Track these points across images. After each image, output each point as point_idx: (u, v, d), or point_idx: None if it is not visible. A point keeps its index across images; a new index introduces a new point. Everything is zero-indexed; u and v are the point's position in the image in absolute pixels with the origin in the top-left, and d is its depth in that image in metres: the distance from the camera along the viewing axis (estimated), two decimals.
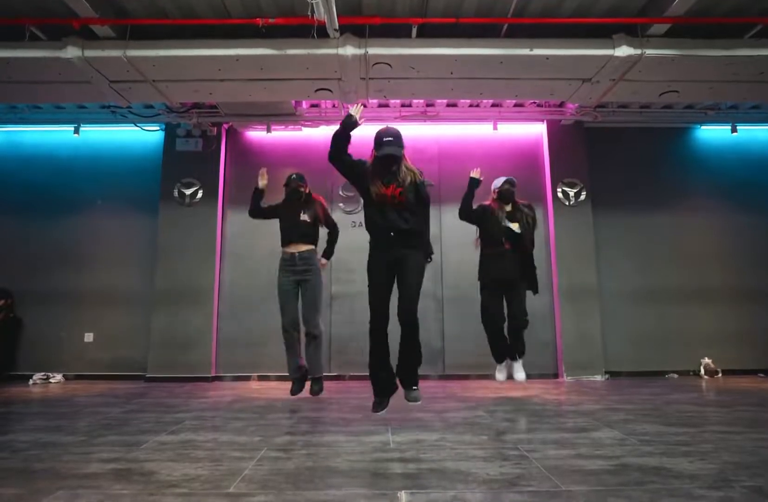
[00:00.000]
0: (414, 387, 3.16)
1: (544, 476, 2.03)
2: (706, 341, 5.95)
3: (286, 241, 4.28)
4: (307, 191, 4.39)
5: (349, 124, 3.19)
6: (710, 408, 3.69)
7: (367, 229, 3.21)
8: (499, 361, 4.39)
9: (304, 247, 4.25)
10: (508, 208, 4.33)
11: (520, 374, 4.30)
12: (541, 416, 3.38)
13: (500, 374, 4.42)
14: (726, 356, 5.89)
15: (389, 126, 3.28)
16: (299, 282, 4.21)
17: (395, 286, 3.13)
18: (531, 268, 4.35)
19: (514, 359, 4.34)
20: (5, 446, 2.57)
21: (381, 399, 3.15)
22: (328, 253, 4.52)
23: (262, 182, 4.35)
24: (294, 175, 4.36)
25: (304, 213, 4.28)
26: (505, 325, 4.31)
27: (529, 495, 1.80)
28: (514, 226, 4.23)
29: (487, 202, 4.44)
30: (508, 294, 4.29)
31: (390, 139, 3.13)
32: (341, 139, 3.17)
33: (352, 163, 3.19)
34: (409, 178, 3.15)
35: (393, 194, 3.09)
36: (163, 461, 2.27)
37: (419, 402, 3.16)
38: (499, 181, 4.37)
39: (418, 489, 1.88)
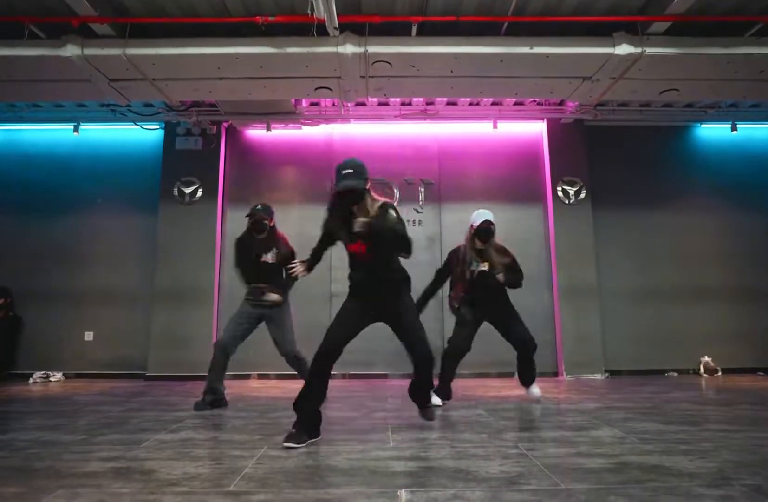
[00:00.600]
0: (428, 405, 3.17)
1: (544, 474, 2.03)
2: (706, 340, 5.95)
3: (247, 280, 3.90)
4: (272, 225, 3.94)
5: None
6: (710, 407, 3.69)
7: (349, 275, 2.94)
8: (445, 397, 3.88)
9: (263, 285, 3.83)
10: (482, 246, 3.88)
11: (535, 389, 4.07)
12: (541, 415, 3.38)
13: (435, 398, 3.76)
14: (726, 354, 5.90)
15: (353, 158, 2.80)
16: (262, 317, 3.86)
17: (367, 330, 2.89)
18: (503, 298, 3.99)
19: (530, 384, 4.07)
20: (6, 445, 2.57)
21: (302, 431, 2.59)
22: (285, 290, 3.94)
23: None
24: (259, 206, 3.91)
25: (266, 253, 3.87)
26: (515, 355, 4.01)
27: (529, 493, 1.80)
28: (483, 265, 3.84)
29: (462, 243, 4.03)
30: (503, 326, 3.95)
31: (350, 171, 2.68)
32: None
33: (325, 231, 2.98)
34: (373, 219, 2.70)
35: (360, 251, 2.79)
36: (163, 460, 2.27)
37: (433, 419, 3.13)
38: (478, 218, 3.88)
39: (418, 488, 1.88)
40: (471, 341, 3.91)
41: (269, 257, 3.88)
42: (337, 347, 2.73)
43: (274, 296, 3.82)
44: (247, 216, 3.94)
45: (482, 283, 3.85)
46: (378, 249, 2.77)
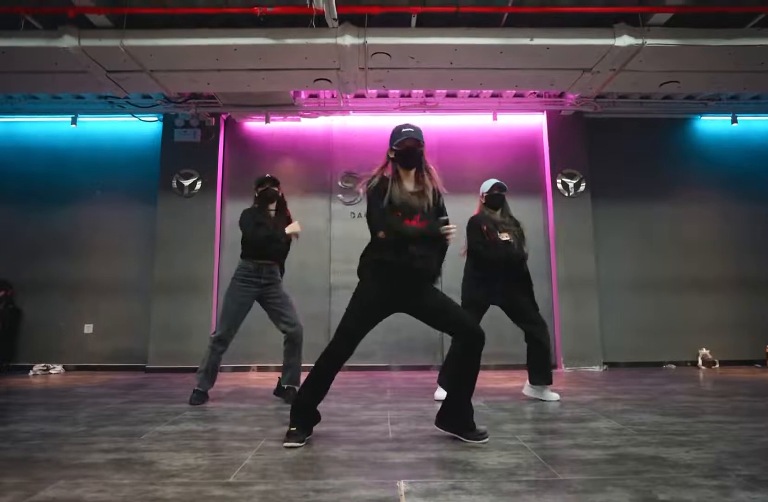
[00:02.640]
0: (480, 427, 2.49)
1: (542, 465, 2.04)
2: (704, 332, 5.98)
3: (255, 254, 3.70)
4: (281, 193, 3.85)
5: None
6: (707, 398, 3.71)
7: (374, 260, 2.55)
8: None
9: (272, 262, 3.77)
10: (497, 216, 3.73)
11: (553, 394, 3.68)
12: (539, 407, 3.40)
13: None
14: (723, 346, 5.92)
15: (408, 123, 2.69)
16: (261, 296, 3.74)
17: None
18: (528, 283, 3.84)
19: (549, 383, 3.68)
20: (7, 437, 2.58)
21: (302, 430, 2.47)
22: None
23: None
24: (267, 175, 3.80)
25: (280, 225, 3.73)
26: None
27: (527, 484, 1.82)
28: (504, 236, 3.63)
29: (475, 212, 3.82)
30: (514, 308, 3.73)
31: (411, 129, 2.58)
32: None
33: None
34: (431, 198, 2.63)
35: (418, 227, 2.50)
36: (164, 451, 2.28)
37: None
38: (487, 185, 3.73)
39: (417, 479, 1.89)
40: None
41: (284, 239, 3.73)
42: (354, 347, 2.52)
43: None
44: (258, 185, 3.76)
45: (510, 256, 3.64)
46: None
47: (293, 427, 2.45)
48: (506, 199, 3.77)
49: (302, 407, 2.50)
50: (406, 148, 2.56)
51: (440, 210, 2.70)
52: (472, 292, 3.70)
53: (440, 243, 2.57)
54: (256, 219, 3.70)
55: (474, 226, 3.68)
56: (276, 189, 3.77)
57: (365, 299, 2.54)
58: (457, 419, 2.50)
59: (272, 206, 3.80)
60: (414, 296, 2.56)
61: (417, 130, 2.60)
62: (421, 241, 2.49)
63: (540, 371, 3.65)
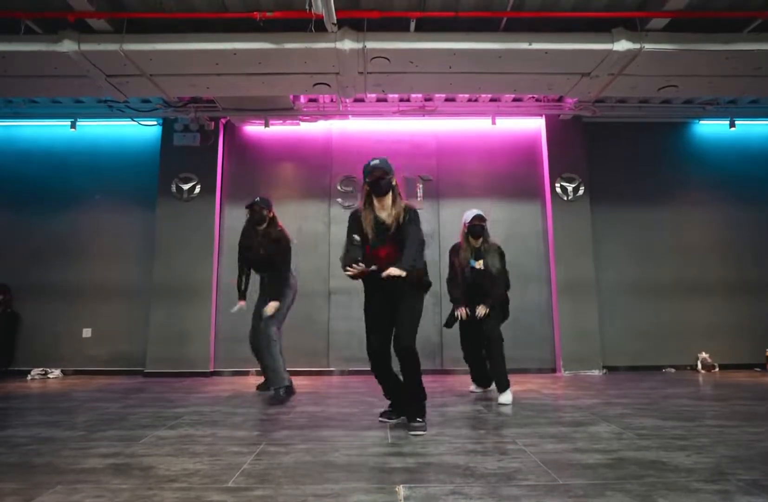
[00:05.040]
0: (418, 419, 2.82)
1: (541, 470, 2.04)
2: (704, 336, 5.97)
3: (253, 271, 4.34)
4: (271, 216, 4.18)
5: None
6: (707, 402, 3.71)
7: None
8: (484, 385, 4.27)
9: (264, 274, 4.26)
10: (477, 244, 4.02)
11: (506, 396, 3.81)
12: (539, 411, 3.39)
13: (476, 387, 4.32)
14: (723, 350, 5.92)
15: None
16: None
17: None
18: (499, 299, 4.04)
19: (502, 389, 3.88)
20: (4, 441, 2.57)
21: (393, 408, 3.08)
22: (273, 294, 4.04)
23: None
24: (258, 198, 4.16)
25: (262, 248, 4.07)
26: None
27: (527, 489, 1.81)
28: (478, 264, 3.96)
29: (459, 240, 4.14)
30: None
31: (377, 162, 2.99)
32: None
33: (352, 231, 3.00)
34: (396, 219, 2.93)
35: (384, 254, 2.88)
36: (162, 456, 2.28)
37: (421, 434, 2.72)
38: (468, 216, 4.02)
39: (417, 483, 1.88)
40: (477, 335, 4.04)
41: (262, 250, 4.07)
42: (382, 350, 2.88)
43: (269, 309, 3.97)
44: (246, 207, 4.18)
45: (478, 282, 3.98)
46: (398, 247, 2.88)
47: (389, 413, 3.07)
48: (485, 229, 4.05)
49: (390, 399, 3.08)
50: (375, 179, 2.95)
51: (406, 226, 2.92)
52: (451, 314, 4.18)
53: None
54: (243, 237, 4.24)
55: (450, 255, 4.19)
56: (264, 213, 4.13)
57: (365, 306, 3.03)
58: (406, 405, 2.94)
59: (261, 227, 4.16)
60: (392, 299, 2.90)
61: (383, 161, 3.00)
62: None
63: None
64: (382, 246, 2.91)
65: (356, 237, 2.92)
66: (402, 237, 2.87)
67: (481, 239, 4.02)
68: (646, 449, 2.34)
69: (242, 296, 4.36)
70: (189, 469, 2.08)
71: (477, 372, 4.24)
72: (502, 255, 4.07)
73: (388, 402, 3.10)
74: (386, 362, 2.91)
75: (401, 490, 1.81)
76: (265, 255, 4.07)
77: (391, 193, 3.00)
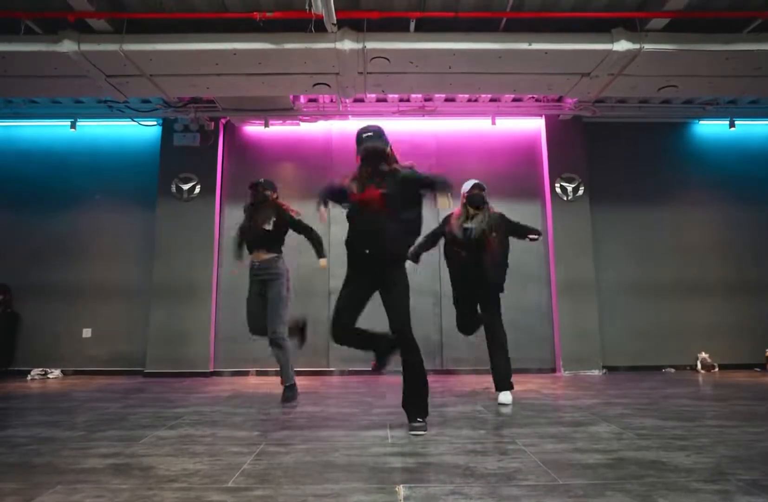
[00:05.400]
0: (419, 419, 2.77)
1: (541, 470, 2.04)
2: (703, 336, 5.97)
3: (248, 250, 4.14)
4: (275, 197, 4.18)
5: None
6: (707, 402, 3.71)
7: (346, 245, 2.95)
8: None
9: (263, 256, 4.04)
10: (474, 212, 3.90)
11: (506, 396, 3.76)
12: (539, 411, 3.39)
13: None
14: (723, 350, 5.92)
15: (369, 124, 3.02)
16: (262, 292, 4.04)
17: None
18: (496, 267, 3.87)
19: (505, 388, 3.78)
20: (4, 441, 2.57)
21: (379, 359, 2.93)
22: (318, 254, 4.21)
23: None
24: (262, 180, 4.19)
25: (266, 223, 4.05)
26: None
27: (527, 489, 1.81)
28: (470, 224, 3.82)
29: (456, 210, 3.99)
30: (482, 304, 3.93)
31: (370, 134, 2.88)
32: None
33: (336, 190, 3.04)
34: (393, 177, 2.85)
35: (371, 198, 2.77)
36: (162, 456, 2.28)
37: (422, 434, 2.68)
38: (467, 185, 3.96)
39: (417, 483, 1.88)
40: (473, 314, 3.98)
41: (268, 225, 4.02)
42: (348, 326, 2.82)
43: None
44: (249, 188, 4.16)
45: (476, 243, 3.80)
46: (392, 199, 2.77)
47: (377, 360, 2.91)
48: (485, 198, 3.96)
49: (377, 351, 2.92)
50: (367, 153, 2.85)
51: (413, 181, 2.87)
52: (452, 289, 4.07)
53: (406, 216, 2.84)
54: (246, 212, 4.19)
55: (440, 224, 4.09)
56: (267, 193, 4.12)
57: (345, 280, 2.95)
58: (408, 403, 2.86)
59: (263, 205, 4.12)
60: (378, 283, 2.85)
61: (376, 132, 2.89)
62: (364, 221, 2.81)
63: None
64: (369, 190, 2.82)
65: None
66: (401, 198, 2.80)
67: (482, 209, 3.88)
68: (646, 449, 2.34)
69: (241, 256, 4.22)
70: (189, 469, 2.08)
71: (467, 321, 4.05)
72: (508, 222, 3.94)
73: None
74: (351, 331, 2.84)
75: (401, 490, 1.81)
76: (269, 230, 4.02)
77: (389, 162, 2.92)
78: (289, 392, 3.89)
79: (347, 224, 3.00)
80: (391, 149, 2.94)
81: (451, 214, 3.99)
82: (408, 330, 2.78)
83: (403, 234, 2.85)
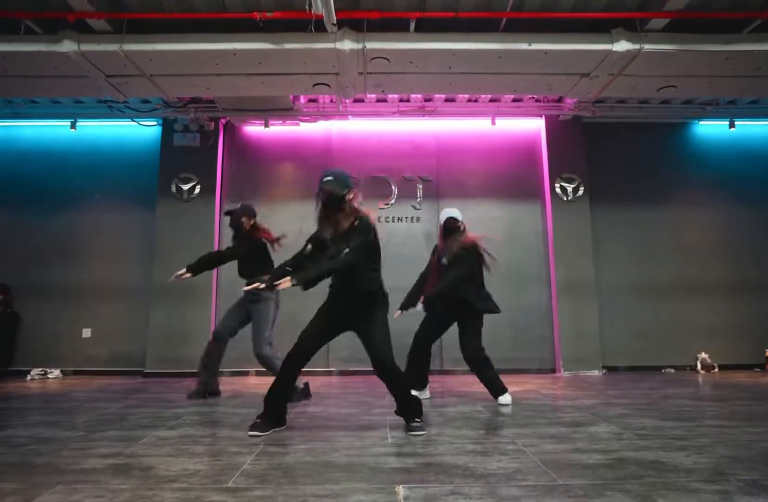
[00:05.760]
0: (417, 420, 2.82)
1: (541, 470, 2.04)
2: (703, 336, 5.98)
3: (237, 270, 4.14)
4: (252, 223, 4.14)
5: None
6: (706, 403, 3.71)
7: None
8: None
9: (248, 279, 3.94)
10: (450, 242, 3.90)
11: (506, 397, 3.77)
12: (539, 411, 3.39)
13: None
14: (722, 350, 5.92)
15: (337, 168, 3.02)
16: (248, 310, 4.07)
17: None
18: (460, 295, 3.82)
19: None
20: (4, 442, 2.57)
21: (266, 422, 2.81)
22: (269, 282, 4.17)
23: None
24: (239, 207, 4.17)
25: (242, 249, 4.09)
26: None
27: (527, 489, 1.81)
28: (444, 260, 3.86)
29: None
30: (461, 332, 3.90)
31: (330, 178, 2.83)
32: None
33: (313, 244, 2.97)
34: (346, 225, 2.85)
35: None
36: (162, 456, 2.28)
37: (421, 434, 2.72)
38: (442, 217, 3.96)
39: (416, 484, 1.88)
40: (429, 338, 3.98)
41: (245, 253, 4.07)
42: (309, 356, 2.83)
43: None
44: (225, 214, 4.30)
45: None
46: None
47: (259, 418, 2.79)
48: (454, 229, 3.88)
49: (268, 401, 2.84)
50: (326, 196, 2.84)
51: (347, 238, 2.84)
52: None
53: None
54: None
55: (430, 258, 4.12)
56: (242, 221, 4.10)
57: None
58: (402, 411, 2.89)
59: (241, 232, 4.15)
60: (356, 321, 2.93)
61: (335, 178, 2.83)
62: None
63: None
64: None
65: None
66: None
67: (451, 239, 3.86)
68: (646, 450, 2.34)
69: (192, 269, 3.99)
70: (189, 469, 2.08)
71: (414, 370, 3.94)
72: (471, 252, 3.82)
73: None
74: (303, 366, 2.84)
75: (401, 490, 1.81)
76: (246, 258, 4.07)
77: (344, 209, 2.87)
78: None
79: None
80: (353, 196, 2.90)
81: (435, 247, 4.11)
82: (395, 368, 2.83)
83: (376, 288, 2.95)
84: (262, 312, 3.99)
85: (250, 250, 4.07)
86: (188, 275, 3.93)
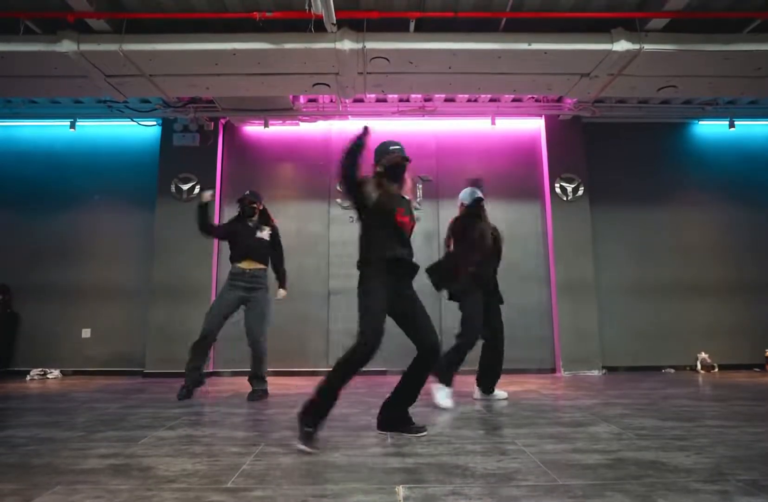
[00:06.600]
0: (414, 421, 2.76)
1: (541, 470, 2.03)
2: (703, 336, 5.98)
3: (238, 257, 4.16)
4: (261, 208, 4.34)
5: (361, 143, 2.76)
6: (706, 403, 3.71)
7: (373, 255, 2.70)
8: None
9: (257, 266, 4.17)
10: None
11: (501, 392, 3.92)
12: (539, 411, 3.39)
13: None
14: (722, 350, 5.92)
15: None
16: (244, 300, 4.10)
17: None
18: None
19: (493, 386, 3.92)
20: (4, 442, 2.57)
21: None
22: (282, 282, 4.33)
23: (206, 197, 4.17)
24: (248, 192, 4.34)
25: (260, 231, 4.25)
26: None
27: (527, 489, 1.81)
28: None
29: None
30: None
31: (398, 147, 2.83)
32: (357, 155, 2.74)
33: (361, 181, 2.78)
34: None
35: (411, 224, 2.79)
36: (161, 457, 2.27)
37: (423, 434, 2.67)
38: (474, 194, 4.00)
39: (416, 484, 1.88)
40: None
41: (264, 235, 4.24)
42: (379, 342, 2.66)
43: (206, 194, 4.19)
44: (237, 201, 4.36)
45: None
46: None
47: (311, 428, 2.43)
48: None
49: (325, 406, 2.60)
50: (395, 164, 2.79)
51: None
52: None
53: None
54: (235, 226, 4.29)
55: (465, 226, 4.09)
56: (254, 206, 4.29)
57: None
58: (397, 417, 2.73)
59: (253, 218, 4.31)
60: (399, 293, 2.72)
61: (403, 148, 2.86)
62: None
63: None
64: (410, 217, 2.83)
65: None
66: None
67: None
68: (646, 450, 2.33)
69: (205, 222, 4.28)
70: (188, 469, 2.07)
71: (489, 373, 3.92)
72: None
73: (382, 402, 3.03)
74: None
75: (401, 490, 1.81)
76: (265, 240, 4.24)
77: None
78: (256, 394, 4.03)
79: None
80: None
81: (458, 219, 4.10)
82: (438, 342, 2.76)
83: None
84: (268, 301, 4.18)
85: (272, 232, 4.30)
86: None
